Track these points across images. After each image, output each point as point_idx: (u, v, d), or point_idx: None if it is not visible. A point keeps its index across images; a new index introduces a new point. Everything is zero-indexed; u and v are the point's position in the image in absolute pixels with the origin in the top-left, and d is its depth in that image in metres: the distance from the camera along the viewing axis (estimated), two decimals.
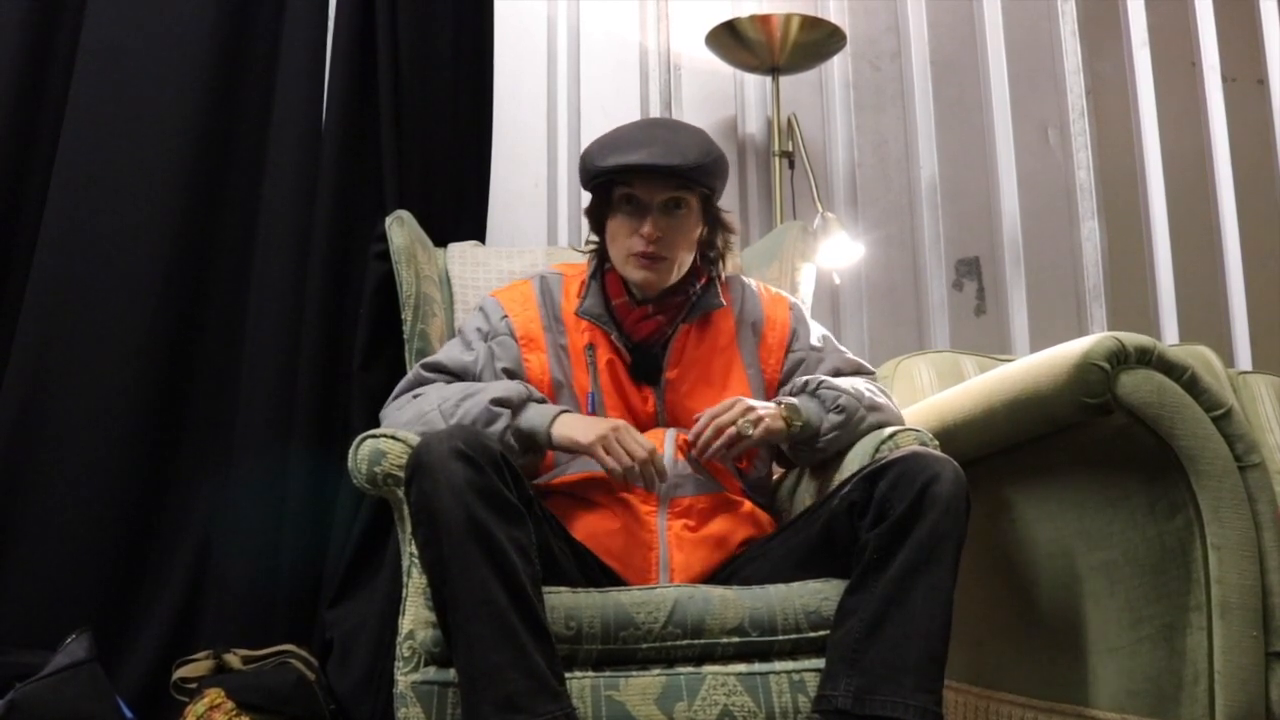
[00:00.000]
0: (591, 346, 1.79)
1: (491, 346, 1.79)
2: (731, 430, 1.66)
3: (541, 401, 1.70)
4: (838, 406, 1.71)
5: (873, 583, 1.49)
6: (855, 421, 1.72)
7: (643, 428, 1.78)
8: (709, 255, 1.84)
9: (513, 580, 1.38)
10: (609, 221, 1.79)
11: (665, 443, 1.73)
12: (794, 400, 1.73)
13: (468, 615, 1.38)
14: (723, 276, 1.89)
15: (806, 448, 1.74)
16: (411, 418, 1.67)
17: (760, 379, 1.84)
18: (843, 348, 1.91)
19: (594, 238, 1.85)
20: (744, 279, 1.96)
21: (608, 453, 1.61)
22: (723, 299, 1.86)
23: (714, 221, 1.82)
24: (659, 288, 1.78)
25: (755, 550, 1.71)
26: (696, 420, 1.70)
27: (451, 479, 1.39)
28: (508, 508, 1.42)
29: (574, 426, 1.64)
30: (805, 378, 1.79)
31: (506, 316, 1.82)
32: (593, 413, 1.75)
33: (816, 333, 1.91)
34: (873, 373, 1.89)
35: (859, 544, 1.53)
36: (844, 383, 1.76)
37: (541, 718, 1.35)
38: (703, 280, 1.84)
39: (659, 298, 1.80)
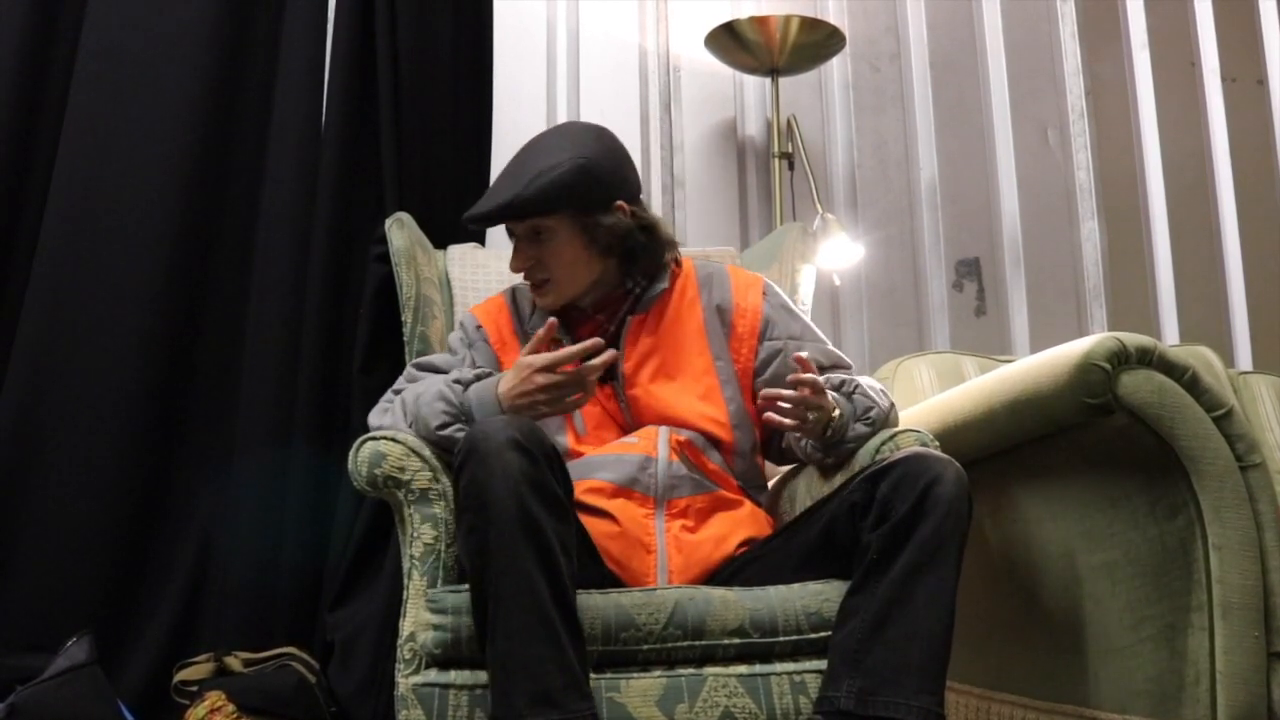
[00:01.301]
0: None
1: (470, 354, 1.84)
2: (801, 411, 1.63)
3: (478, 379, 1.69)
4: (868, 418, 1.70)
5: (874, 584, 1.49)
6: (869, 435, 1.71)
7: (617, 426, 1.79)
8: (634, 255, 1.81)
9: (556, 576, 1.39)
10: None
11: (659, 442, 1.73)
12: (839, 407, 1.69)
13: (510, 606, 1.37)
14: (676, 263, 1.86)
15: (822, 449, 1.73)
16: (388, 426, 1.70)
17: (730, 369, 1.82)
18: (823, 337, 1.88)
19: None
20: (716, 264, 1.95)
21: (551, 408, 1.61)
22: (667, 283, 1.84)
23: (604, 228, 1.77)
24: (555, 307, 1.81)
25: (755, 551, 1.71)
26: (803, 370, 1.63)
27: (507, 468, 1.39)
28: (557, 503, 1.43)
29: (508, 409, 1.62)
30: (840, 376, 1.75)
31: (481, 326, 1.87)
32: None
33: (796, 320, 1.88)
34: (850, 366, 1.86)
35: (861, 545, 1.52)
36: (871, 390, 1.74)
37: (574, 715, 1.35)
38: (640, 276, 1.83)
39: (592, 301, 1.82)
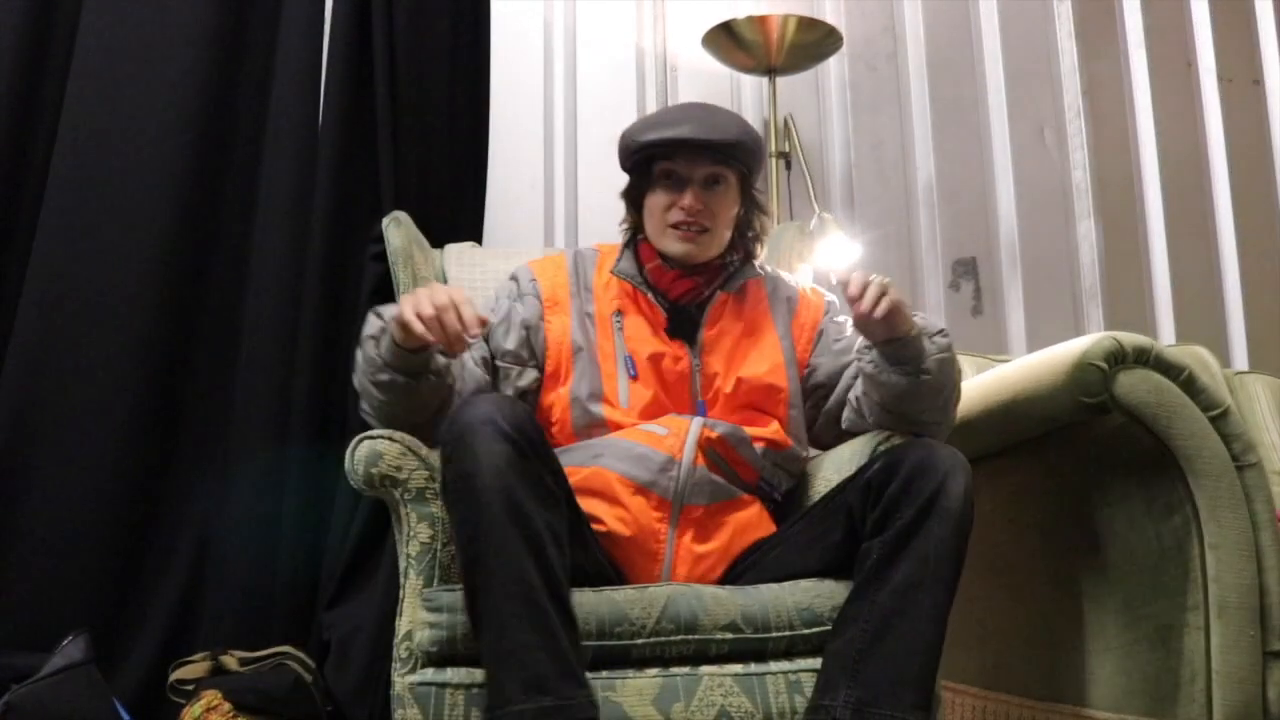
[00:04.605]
0: (619, 313, 1.80)
1: (515, 306, 1.81)
2: (885, 295, 1.59)
3: None
4: (943, 333, 1.67)
5: (874, 592, 1.48)
6: (949, 364, 1.66)
7: (673, 391, 1.76)
8: (747, 235, 1.87)
9: (547, 565, 1.39)
10: (647, 199, 1.82)
11: (687, 442, 1.69)
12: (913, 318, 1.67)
13: (501, 595, 1.37)
14: (761, 255, 1.93)
15: (899, 370, 1.65)
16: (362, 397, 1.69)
17: (792, 352, 1.83)
18: None
19: (625, 224, 1.89)
20: (779, 271, 1.98)
21: (417, 314, 1.52)
22: (759, 274, 1.90)
23: (750, 202, 1.86)
24: (698, 260, 1.81)
25: (755, 556, 1.69)
26: (854, 278, 1.59)
27: (494, 459, 1.39)
28: (546, 493, 1.43)
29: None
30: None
31: (535, 280, 1.84)
32: (634, 377, 1.75)
33: (847, 323, 1.88)
34: None
35: (861, 550, 1.52)
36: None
37: (569, 701, 1.35)
38: (740, 255, 1.88)
39: (694, 267, 1.82)
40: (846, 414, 1.79)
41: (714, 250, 1.81)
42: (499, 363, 1.78)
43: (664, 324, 1.80)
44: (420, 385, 1.61)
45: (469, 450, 1.40)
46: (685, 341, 1.79)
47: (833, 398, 1.82)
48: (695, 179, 1.77)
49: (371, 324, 1.63)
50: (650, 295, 1.81)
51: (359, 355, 1.66)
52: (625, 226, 1.89)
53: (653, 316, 1.81)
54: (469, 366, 1.76)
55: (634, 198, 1.86)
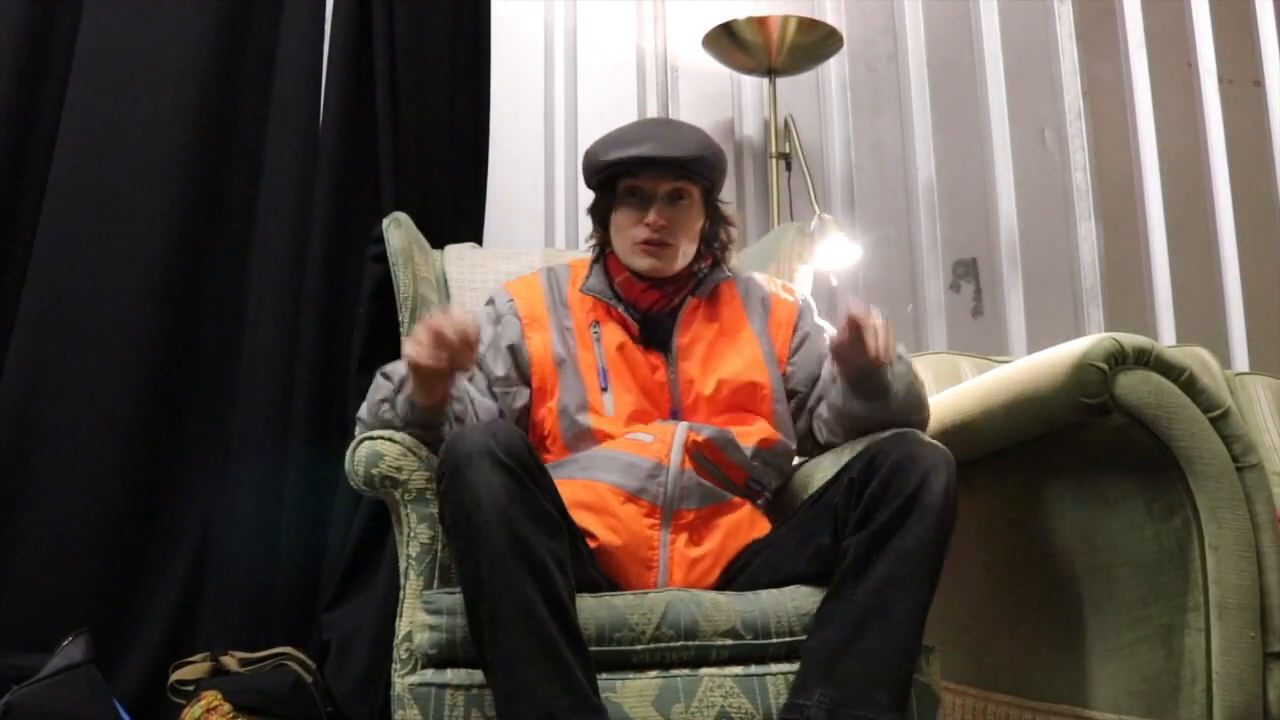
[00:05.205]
0: (596, 323, 1.82)
1: (498, 330, 1.82)
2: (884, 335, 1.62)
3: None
4: (904, 369, 1.70)
5: (851, 590, 1.47)
6: (913, 384, 1.70)
7: (654, 399, 1.77)
8: (713, 246, 1.89)
9: (553, 594, 1.38)
10: (613, 215, 1.84)
11: (674, 447, 1.70)
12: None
13: (508, 631, 1.36)
14: (729, 262, 1.93)
15: (868, 386, 1.69)
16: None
17: (771, 349, 1.84)
18: None
19: (592, 239, 1.91)
20: (749, 273, 1.99)
21: (419, 354, 1.52)
22: (729, 275, 1.91)
23: (715, 214, 1.87)
24: (664, 274, 1.82)
25: (757, 545, 1.70)
26: (855, 320, 1.61)
27: (493, 492, 1.38)
28: (548, 520, 1.42)
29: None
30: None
31: (512, 300, 1.86)
32: (604, 388, 1.76)
33: (819, 319, 1.92)
34: None
35: (841, 547, 1.51)
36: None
37: None
38: (708, 262, 1.89)
39: (662, 279, 1.84)
40: (817, 425, 1.81)
41: (680, 264, 1.83)
42: (494, 389, 1.79)
43: (637, 335, 1.81)
44: (441, 432, 1.62)
45: (467, 485, 1.39)
46: (660, 350, 1.80)
47: (805, 409, 1.83)
48: (658, 195, 1.79)
49: (381, 387, 1.64)
50: (621, 308, 1.82)
51: (366, 414, 1.66)
52: (592, 243, 1.91)
53: (625, 330, 1.82)
54: (478, 399, 1.76)
55: (600, 215, 1.88)
